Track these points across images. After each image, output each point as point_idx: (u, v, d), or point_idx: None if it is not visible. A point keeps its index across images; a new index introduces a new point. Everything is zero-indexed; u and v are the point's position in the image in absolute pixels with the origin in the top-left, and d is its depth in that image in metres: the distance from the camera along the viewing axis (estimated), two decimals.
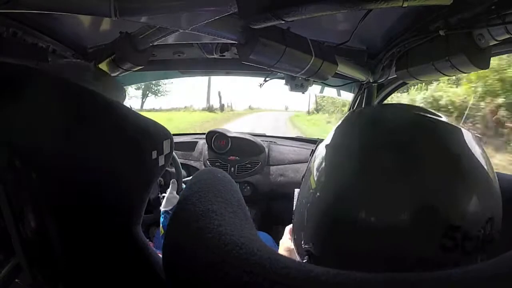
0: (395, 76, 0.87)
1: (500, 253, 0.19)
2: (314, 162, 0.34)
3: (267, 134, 1.75)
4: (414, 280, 0.17)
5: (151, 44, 0.73)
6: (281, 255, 0.19)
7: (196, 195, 0.26)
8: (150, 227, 1.42)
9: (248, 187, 1.44)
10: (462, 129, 0.29)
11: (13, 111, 0.27)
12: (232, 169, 1.46)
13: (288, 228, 0.73)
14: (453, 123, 0.30)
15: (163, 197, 0.97)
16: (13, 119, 0.27)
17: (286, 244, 0.65)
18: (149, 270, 0.34)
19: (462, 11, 0.56)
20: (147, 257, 0.35)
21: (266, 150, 1.49)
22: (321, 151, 0.34)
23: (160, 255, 0.28)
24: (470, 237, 0.25)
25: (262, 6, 0.51)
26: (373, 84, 1.06)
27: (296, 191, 0.77)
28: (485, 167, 0.27)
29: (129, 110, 0.34)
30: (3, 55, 0.66)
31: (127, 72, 0.82)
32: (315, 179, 0.32)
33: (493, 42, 0.60)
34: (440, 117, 0.30)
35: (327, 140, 0.34)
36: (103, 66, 0.81)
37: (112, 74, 0.84)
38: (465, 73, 0.65)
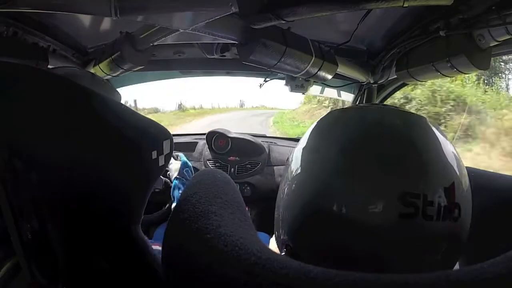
0: (395, 76, 0.87)
1: (500, 254, 0.19)
2: (292, 155, 0.35)
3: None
4: (413, 281, 0.17)
5: (151, 44, 0.73)
6: (281, 256, 0.19)
7: (196, 196, 0.26)
8: (150, 227, 1.42)
9: (248, 188, 1.44)
10: (424, 117, 0.32)
11: (13, 111, 0.27)
12: (232, 169, 1.46)
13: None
14: (417, 113, 0.32)
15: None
16: (13, 119, 0.27)
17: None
18: (149, 270, 0.34)
19: (463, 12, 0.56)
20: (147, 257, 0.35)
21: (266, 150, 1.49)
22: (300, 145, 0.35)
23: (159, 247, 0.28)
24: (430, 202, 0.26)
25: (262, 6, 0.51)
26: (373, 85, 1.06)
27: None
28: (442, 145, 0.30)
29: (129, 110, 0.34)
30: (3, 55, 0.66)
31: (127, 72, 0.82)
32: (293, 172, 0.33)
33: (493, 43, 0.60)
34: (409, 112, 0.33)
35: (307, 134, 0.35)
36: (103, 66, 0.81)
37: (112, 74, 0.84)
38: (465, 73, 0.65)
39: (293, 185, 0.32)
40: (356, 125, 0.32)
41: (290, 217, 0.32)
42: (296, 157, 0.34)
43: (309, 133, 0.35)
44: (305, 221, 0.30)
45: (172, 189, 0.97)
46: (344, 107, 0.40)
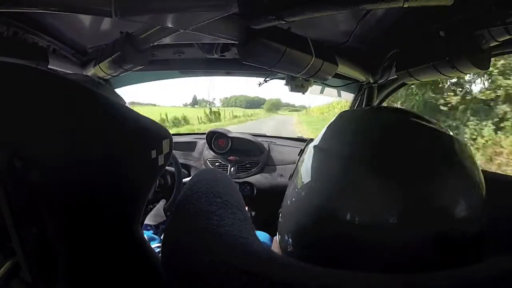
0: (395, 76, 0.87)
1: (500, 254, 0.19)
2: (302, 162, 0.34)
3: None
4: (413, 281, 0.17)
5: (151, 44, 0.73)
6: (281, 256, 0.19)
7: (196, 196, 0.26)
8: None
9: (248, 187, 1.44)
10: (451, 134, 0.29)
11: (13, 111, 0.27)
12: (232, 169, 1.46)
13: (276, 237, 0.72)
14: (442, 129, 0.30)
15: (150, 209, 0.95)
16: (13, 119, 0.27)
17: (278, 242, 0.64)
18: (148, 270, 0.34)
19: (463, 12, 0.56)
20: (147, 257, 0.35)
21: (266, 150, 1.49)
22: (310, 151, 0.34)
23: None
24: (462, 239, 0.25)
25: (262, 6, 0.51)
26: (374, 85, 1.06)
27: None
28: (474, 172, 0.28)
29: (128, 109, 0.34)
30: (3, 55, 0.66)
31: (127, 72, 0.82)
32: (302, 178, 0.32)
33: (493, 43, 0.60)
34: (431, 122, 0.30)
35: (317, 140, 0.34)
36: (103, 66, 0.81)
37: (113, 74, 0.84)
38: (465, 73, 0.65)
39: (303, 193, 0.31)
40: (368, 132, 0.31)
41: (297, 223, 0.31)
42: (306, 163, 0.33)
43: (322, 135, 0.34)
44: (314, 229, 0.29)
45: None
46: (355, 109, 0.39)
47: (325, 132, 0.34)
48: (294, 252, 0.32)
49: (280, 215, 0.38)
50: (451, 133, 0.30)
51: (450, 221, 0.25)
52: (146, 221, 0.89)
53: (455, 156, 0.28)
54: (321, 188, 0.29)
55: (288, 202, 0.34)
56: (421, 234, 0.25)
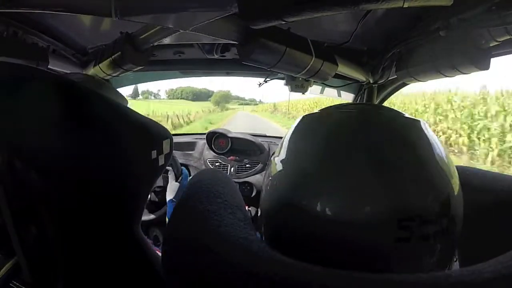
0: (395, 76, 0.87)
1: (497, 255, 0.19)
2: (277, 150, 0.34)
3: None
4: (413, 281, 0.17)
5: (151, 45, 0.73)
6: (281, 256, 0.19)
7: (196, 196, 0.26)
8: (150, 227, 1.43)
9: (248, 187, 1.44)
10: (421, 121, 0.30)
11: (13, 111, 0.27)
12: (232, 169, 1.46)
13: None
14: (413, 117, 0.30)
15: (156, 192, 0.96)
16: (13, 119, 0.27)
17: None
18: (149, 270, 0.34)
19: (463, 12, 0.56)
20: (147, 257, 0.35)
21: (266, 150, 1.49)
22: (285, 139, 0.34)
23: (159, 253, 0.28)
24: (425, 221, 0.25)
25: (262, 6, 0.51)
26: (373, 85, 1.06)
27: None
28: (440, 157, 0.28)
29: (129, 110, 0.34)
30: (3, 55, 0.66)
31: (127, 72, 0.82)
32: (276, 166, 0.32)
33: (493, 43, 0.60)
34: (404, 114, 0.31)
35: (292, 128, 0.34)
36: (103, 66, 0.81)
37: (113, 74, 0.84)
38: (465, 73, 0.65)
39: (275, 181, 0.31)
40: (345, 123, 0.31)
41: (269, 213, 0.31)
42: (280, 153, 0.33)
43: (298, 123, 0.34)
44: (283, 219, 0.29)
45: (167, 212, 0.93)
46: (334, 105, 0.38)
47: (301, 120, 0.34)
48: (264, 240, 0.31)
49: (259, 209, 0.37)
50: (415, 119, 0.30)
51: (420, 214, 0.24)
52: (168, 197, 0.89)
53: (425, 144, 0.28)
54: (291, 175, 0.29)
55: (263, 189, 0.34)
56: (388, 229, 0.24)
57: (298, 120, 0.35)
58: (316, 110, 0.36)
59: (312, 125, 0.33)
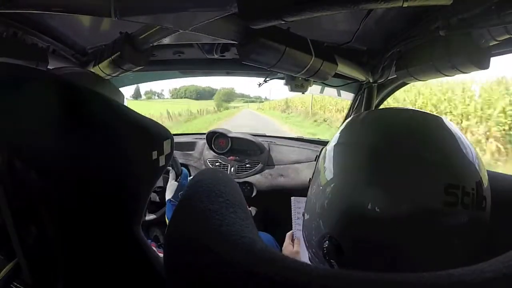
0: (395, 76, 0.87)
1: (498, 254, 0.19)
2: (322, 161, 0.38)
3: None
4: (415, 281, 0.17)
5: (151, 45, 0.73)
6: (283, 255, 0.19)
7: (197, 195, 0.26)
8: (150, 227, 1.43)
9: (248, 187, 1.44)
10: (441, 117, 0.36)
11: (13, 111, 0.27)
12: (232, 169, 1.46)
13: (289, 234, 0.73)
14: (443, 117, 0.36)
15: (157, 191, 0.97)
16: (13, 119, 0.27)
17: (288, 249, 0.65)
18: (149, 270, 0.34)
19: (462, 11, 0.56)
20: (148, 257, 0.35)
21: (266, 150, 1.49)
22: (329, 150, 0.38)
23: (161, 254, 0.28)
24: (467, 193, 0.30)
25: (262, 6, 0.51)
26: (373, 84, 1.06)
27: (293, 199, 0.78)
28: (465, 144, 0.33)
29: (129, 110, 0.34)
30: (3, 56, 0.66)
31: (127, 72, 0.82)
32: (325, 175, 0.36)
33: (493, 42, 0.60)
34: (441, 122, 0.35)
35: (334, 140, 0.38)
36: (103, 66, 0.81)
37: (112, 75, 0.84)
38: (465, 73, 0.65)
39: (327, 188, 0.35)
40: (388, 124, 0.36)
41: (331, 217, 0.35)
42: (328, 158, 0.37)
43: (339, 135, 0.39)
44: (347, 220, 0.33)
45: (166, 212, 0.93)
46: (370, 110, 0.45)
47: (342, 132, 0.39)
48: (334, 243, 0.34)
49: (303, 215, 0.42)
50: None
51: (476, 204, 0.30)
52: (167, 197, 0.90)
53: (464, 145, 0.33)
54: (344, 181, 0.34)
55: (312, 199, 0.39)
56: (456, 217, 0.29)
57: (342, 127, 0.40)
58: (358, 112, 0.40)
59: (364, 133, 0.37)
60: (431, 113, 0.37)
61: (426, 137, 0.33)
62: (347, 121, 0.40)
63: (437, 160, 0.31)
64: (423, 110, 0.38)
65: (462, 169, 0.31)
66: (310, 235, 0.39)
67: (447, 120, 0.35)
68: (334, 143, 0.38)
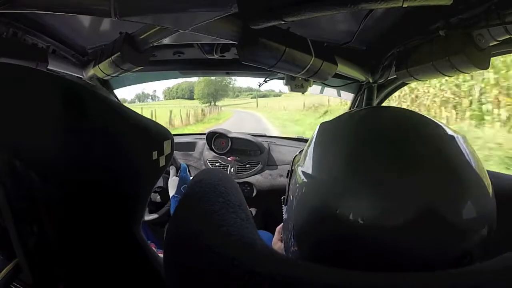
0: (395, 76, 0.87)
1: (500, 253, 0.19)
2: (300, 159, 0.34)
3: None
4: (414, 281, 0.17)
5: (151, 45, 0.73)
6: (283, 255, 0.19)
7: (197, 195, 0.26)
8: (151, 227, 1.42)
9: (248, 188, 1.44)
10: (456, 134, 0.29)
11: (13, 111, 0.27)
12: (232, 169, 1.46)
13: (278, 229, 0.73)
14: (448, 128, 0.29)
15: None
16: (13, 120, 0.27)
17: (278, 244, 0.65)
18: (149, 270, 0.34)
19: (462, 11, 0.56)
20: (148, 257, 0.35)
21: (266, 150, 1.49)
22: (308, 148, 0.33)
23: (161, 255, 0.28)
24: (473, 240, 0.24)
25: (262, 6, 0.51)
26: (373, 84, 1.06)
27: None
28: (479, 171, 0.27)
29: (129, 110, 0.34)
30: (3, 56, 0.66)
31: (127, 72, 0.82)
32: (301, 175, 0.31)
33: (493, 42, 0.60)
34: (433, 120, 0.30)
35: (313, 138, 0.34)
36: (102, 66, 0.81)
37: (112, 75, 0.84)
38: (465, 73, 0.65)
39: (303, 189, 0.30)
40: (367, 126, 0.30)
41: (298, 222, 0.31)
42: (305, 161, 0.32)
43: (319, 132, 0.34)
44: (313, 227, 0.28)
45: (170, 207, 0.94)
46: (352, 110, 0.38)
47: (322, 129, 0.34)
48: (297, 251, 0.32)
49: (284, 212, 0.38)
50: (451, 130, 0.29)
51: (460, 222, 0.24)
52: (171, 193, 0.91)
53: (463, 155, 0.27)
54: (319, 184, 0.28)
55: (290, 198, 0.34)
56: (430, 237, 0.24)
57: (318, 128, 0.35)
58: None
59: (338, 131, 0.32)
60: (419, 113, 0.31)
61: (407, 140, 0.27)
62: (331, 119, 0.35)
63: (416, 171, 0.25)
64: (411, 110, 0.32)
65: (468, 212, 0.24)
66: (286, 240, 0.37)
67: (459, 136, 0.29)
68: (313, 141, 0.34)
